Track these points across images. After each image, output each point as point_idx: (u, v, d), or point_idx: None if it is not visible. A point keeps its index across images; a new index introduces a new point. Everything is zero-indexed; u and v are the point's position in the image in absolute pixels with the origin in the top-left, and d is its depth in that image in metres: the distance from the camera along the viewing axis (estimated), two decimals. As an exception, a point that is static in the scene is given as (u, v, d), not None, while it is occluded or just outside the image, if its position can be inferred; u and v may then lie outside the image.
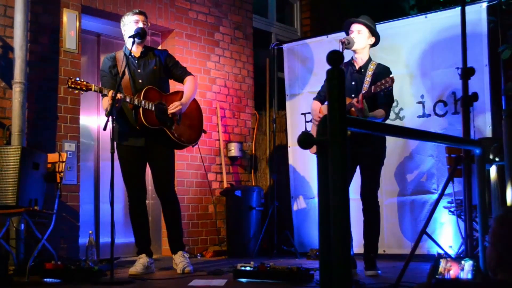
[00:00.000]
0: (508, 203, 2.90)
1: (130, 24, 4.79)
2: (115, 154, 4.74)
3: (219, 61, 6.99)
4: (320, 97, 5.01)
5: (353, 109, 4.52)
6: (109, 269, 4.25)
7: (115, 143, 4.80)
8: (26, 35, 5.11)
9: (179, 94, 4.95)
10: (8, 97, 5.11)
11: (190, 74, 5.04)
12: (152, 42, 6.58)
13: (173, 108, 4.76)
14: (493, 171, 2.98)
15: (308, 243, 6.38)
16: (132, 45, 4.68)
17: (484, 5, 5.49)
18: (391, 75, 4.58)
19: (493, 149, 2.92)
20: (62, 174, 4.86)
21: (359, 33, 4.75)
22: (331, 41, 6.36)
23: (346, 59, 4.71)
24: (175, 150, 5.05)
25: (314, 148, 4.77)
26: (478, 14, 5.49)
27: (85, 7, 5.71)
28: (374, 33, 4.79)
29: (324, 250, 1.72)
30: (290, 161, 6.71)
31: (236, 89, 7.17)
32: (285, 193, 6.72)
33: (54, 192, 4.84)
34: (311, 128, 5.45)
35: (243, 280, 4.32)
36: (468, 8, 4.78)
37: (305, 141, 1.76)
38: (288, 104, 6.84)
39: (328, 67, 1.70)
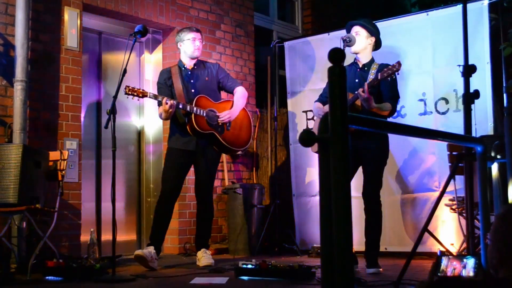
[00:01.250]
0: (510, 200, 2.89)
1: (188, 41, 5.19)
2: (118, 152, 4.77)
3: (221, 59, 6.99)
4: (322, 99, 4.98)
5: (357, 102, 4.50)
6: (111, 267, 4.26)
7: (163, 145, 4.99)
8: (27, 33, 5.11)
9: (229, 102, 5.31)
10: (9, 95, 5.11)
11: (240, 85, 5.46)
12: (153, 40, 6.59)
13: (223, 116, 5.15)
14: (494, 168, 2.98)
15: (310, 241, 6.38)
16: (133, 44, 4.69)
17: (486, 2, 5.48)
18: (398, 60, 4.59)
19: (495, 147, 2.92)
20: (63, 172, 4.86)
21: (357, 35, 4.76)
22: (333, 39, 6.35)
23: (348, 59, 4.71)
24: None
25: (315, 147, 4.76)
26: (479, 11, 5.48)
27: (86, 5, 5.71)
28: (372, 33, 4.80)
29: (326, 248, 1.72)
30: (292, 159, 6.71)
31: (237, 87, 7.16)
32: (286, 191, 6.72)
33: (56, 190, 4.85)
34: (314, 124, 5.45)
35: (245, 278, 4.32)
36: (470, 6, 4.76)
37: (306, 139, 1.76)
38: (289, 102, 6.83)
39: (329, 64, 1.70)
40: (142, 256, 4.73)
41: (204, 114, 5.06)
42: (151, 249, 4.90)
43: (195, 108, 5.01)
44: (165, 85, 5.18)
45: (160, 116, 5.07)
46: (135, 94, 4.83)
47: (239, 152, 5.54)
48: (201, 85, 5.21)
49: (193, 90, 5.17)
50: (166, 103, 4.84)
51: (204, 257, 5.13)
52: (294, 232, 6.52)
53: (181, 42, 5.23)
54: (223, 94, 5.54)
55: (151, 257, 4.82)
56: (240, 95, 5.33)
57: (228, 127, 5.23)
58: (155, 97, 4.94)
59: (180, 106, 4.96)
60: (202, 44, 5.28)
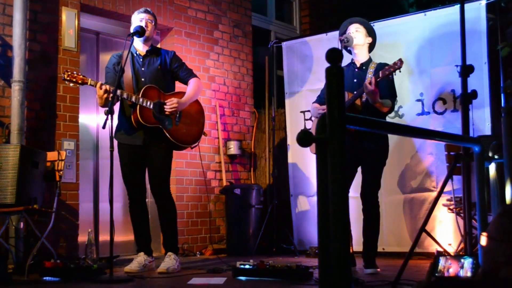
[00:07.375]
0: (507, 200, 2.90)
1: (135, 22, 4.81)
2: (115, 152, 4.74)
3: (218, 59, 6.99)
4: (320, 100, 4.97)
5: (357, 102, 4.47)
6: (108, 267, 4.25)
7: (115, 141, 4.81)
8: (25, 33, 5.10)
9: (180, 94, 4.88)
10: (7, 96, 5.11)
11: (195, 76, 4.97)
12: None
13: (169, 104, 4.70)
14: (492, 168, 2.98)
15: (308, 241, 6.39)
16: (131, 44, 4.68)
17: (483, 2, 5.49)
18: (399, 58, 4.55)
19: (492, 147, 2.92)
20: (61, 172, 4.85)
21: (357, 31, 4.77)
22: (330, 39, 6.35)
23: (346, 60, 4.70)
24: (174, 150, 5.00)
25: (314, 147, 4.74)
26: (477, 11, 5.49)
27: (84, 5, 5.71)
28: (371, 33, 4.82)
29: (324, 248, 1.72)
30: (289, 159, 6.72)
31: (235, 87, 7.17)
32: (284, 191, 6.72)
33: (54, 190, 4.84)
34: (312, 125, 5.45)
35: (242, 278, 4.32)
36: (467, 6, 4.78)
37: (304, 139, 1.76)
38: (287, 102, 6.83)
39: (327, 65, 1.70)
40: (132, 273, 4.62)
41: (151, 106, 4.66)
42: (141, 256, 4.79)
43: (141, 99, 4.62)
44: (113, 71, 4.80)
45: (99, 102, 4.63)
46: (74, 80, 4.52)
47: (194, 145, 4.97)
48: (152, 74, 4.81)
49: (143, 79, 4.78)
50: (100, 88, 4.48)
51: (164, 263, 4.76)
52: (292, 232, 6.52)
53: (131, 26, 4.85)
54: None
55: (144, 266, 4.75)
56: (193, 86, 4.89)
57: (177, 122, 4.79)
58: (95, 84, 4.54)
59: (124, 96, 4.60)
60: (152, 25, 4.85)
